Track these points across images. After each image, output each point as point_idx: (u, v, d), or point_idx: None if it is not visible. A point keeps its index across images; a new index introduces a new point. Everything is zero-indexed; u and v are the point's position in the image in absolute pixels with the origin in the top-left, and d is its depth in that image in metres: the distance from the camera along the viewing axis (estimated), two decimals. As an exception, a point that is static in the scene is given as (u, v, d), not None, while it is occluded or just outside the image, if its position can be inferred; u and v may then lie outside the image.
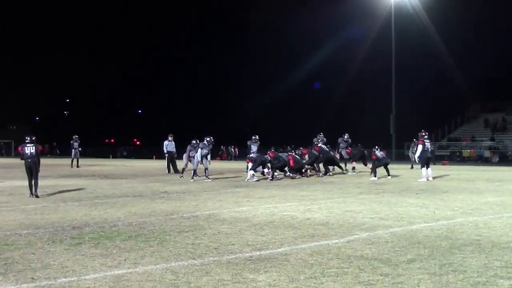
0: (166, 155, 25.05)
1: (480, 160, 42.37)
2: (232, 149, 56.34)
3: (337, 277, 5.66)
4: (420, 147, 19.55)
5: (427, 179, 18.92)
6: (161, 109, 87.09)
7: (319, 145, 22.43)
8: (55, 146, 69.62)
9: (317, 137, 23.22)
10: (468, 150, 45.06)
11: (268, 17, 73.71)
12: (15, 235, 8.24)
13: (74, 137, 32.52)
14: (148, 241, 7.69)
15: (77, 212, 10.98)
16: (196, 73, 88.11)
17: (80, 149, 32.59)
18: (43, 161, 15.58)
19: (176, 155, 25.32)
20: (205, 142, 20.45)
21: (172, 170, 24.70)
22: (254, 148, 21.90)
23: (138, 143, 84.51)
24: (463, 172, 24.51)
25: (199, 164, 20.70)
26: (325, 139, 23.39)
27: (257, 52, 71.87)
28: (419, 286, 5.30)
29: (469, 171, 25.56)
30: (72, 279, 5.67)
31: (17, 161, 26.50)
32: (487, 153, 43.55)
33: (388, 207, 11.44)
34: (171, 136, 25.03)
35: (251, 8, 76.53)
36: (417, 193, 14.45)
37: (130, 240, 7.78)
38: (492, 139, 46.52)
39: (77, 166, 31.16)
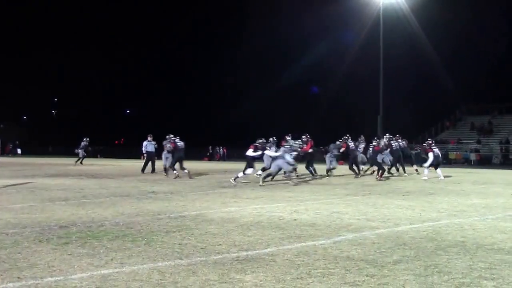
0: (145, 155, 25.05)
1: (466, 162, 42.71)
2: (221, 150, 56.37)
3: (323, 277, 5.70)
4: (430, 155, 20.73)
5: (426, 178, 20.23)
6: (149, 110, 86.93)
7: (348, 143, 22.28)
8: (16, 145, 69.15)
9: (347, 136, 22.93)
10: (454, 153, 45.39)
11: (259, 19, 73.81)
12: (1, 234, 8.20)
13: (85, 139, 35.19)
14: (135, 241, 7.69)
15: (64, 211, 10.94)
16: (186, 73, 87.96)
17: (83, 152, 35.04)
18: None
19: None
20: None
21: (153, 170, 24.72)
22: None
23: (121, 142, 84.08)
24: (449, 175, 24.66)
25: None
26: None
27: (247, 54, 71.90)
28: (404, 287, 5.36)
29: (455, 174, 25.72)
30: (59, 278, 5.66)
31: (4, 160, 26.34)
32: (473, 156, 43.86)
33: (374, 208, 11.51)
34: (150, 137, 25.02)
35: (242, 9, 76.66)
36: (403, 195, 14.54)
37: (117, 240, 7.77)
38: (479, 142, 46.88)
39: (81, 163, 34.06)
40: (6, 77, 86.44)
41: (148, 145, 24.79)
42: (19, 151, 65.90)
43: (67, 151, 70.39)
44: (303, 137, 21.87)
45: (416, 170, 23.97)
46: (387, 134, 24.37)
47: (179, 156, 21.81)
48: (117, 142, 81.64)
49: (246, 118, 69.38)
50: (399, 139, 24.25)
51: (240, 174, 18.87)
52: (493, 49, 57.31)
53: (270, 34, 75.86)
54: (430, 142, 21.87)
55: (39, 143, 79.10)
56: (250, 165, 19.09)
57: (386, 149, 22.40)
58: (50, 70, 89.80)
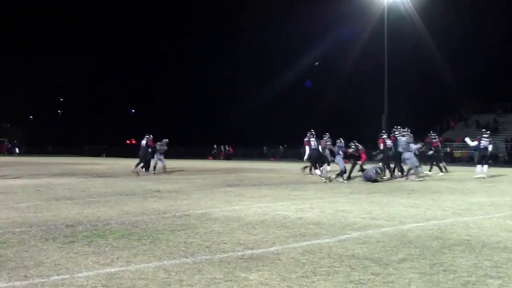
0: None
1: (471, 160, 42.57)
2: (226, 148, 56.50)
3: (329, 276, 5.70)
4: (470, 142, 21.73)
5: (484, 177, 20.32)
6: (153, 110, 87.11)
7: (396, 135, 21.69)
8: (14, 145, 69.53)
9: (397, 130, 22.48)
10: (460, 151, 45.28)
11: (262, 17, 73.82)
12: (8, 233, 8.24)
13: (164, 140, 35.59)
14: (140, 239, 7.71)
15: (70, 210, 10.98)
16: (190, 72, 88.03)
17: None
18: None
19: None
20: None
21: (148, 169, 25.14)
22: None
23: (133, 142, 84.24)
24: (454, 173, 24.65)
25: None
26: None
27: (251, 52, 71.93)
28: (409, 285, 5.35)
29: (460, 172, 25.70)
30: (65, 277, 5.68)
31: (11, 159, 26.47)
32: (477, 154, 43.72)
33: (379, 207, 11.51)
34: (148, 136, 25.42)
35: (246, 7, 76.62)
36: (408, 193, 14.53)
37: (122, 238, 7.80)
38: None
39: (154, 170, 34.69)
40: (12, 78, 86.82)
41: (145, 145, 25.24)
42: (17, 150, 66.26)
43: (68, 150, 70.77)
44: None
45: (442, 168, 24.16)
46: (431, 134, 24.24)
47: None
48: (128, 142, 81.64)
49: (248, 118, 69.39)
50: (435, 138, 24.85)
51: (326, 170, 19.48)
52: (498, 47, 57.13)
53: (273, 34, 75.87)
54: (484, 130, 22.63)
55: (39, 142, 79.38)
56: (324, 160, 19.93)
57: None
58: (56, 70, 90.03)
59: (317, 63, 40.40)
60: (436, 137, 25.34)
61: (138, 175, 22.89)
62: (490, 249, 7.01)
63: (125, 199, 13.26)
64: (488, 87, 58.27)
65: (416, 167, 19.37)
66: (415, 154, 20.12)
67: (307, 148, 20.77)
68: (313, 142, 20.42)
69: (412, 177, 19.28)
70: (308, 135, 21.02)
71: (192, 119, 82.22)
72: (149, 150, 24.93)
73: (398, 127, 22.67)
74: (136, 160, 24.83)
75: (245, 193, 14.65)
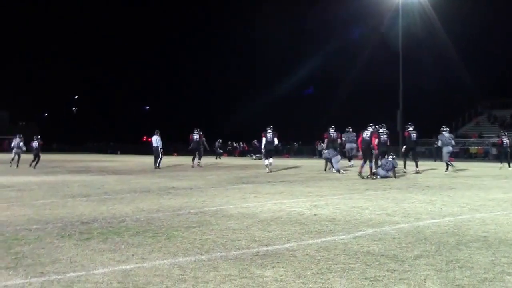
0: (161, 150, 25.75)
1: (487, 156, 42.24)
2: (241, 145, 56.67)
3: (344, 272, 5.68)
4: None
5: None
6: (166, 106, 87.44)
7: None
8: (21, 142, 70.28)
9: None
10: (476, 147, 44.92)
11: (282, 9, 73.89)
12: (24, 230, 8.31)
13: (219, 140, 39.21)
14: (156, 236, 7.73)
15: (86, 207, 11.05)
16: (203, 69, 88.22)
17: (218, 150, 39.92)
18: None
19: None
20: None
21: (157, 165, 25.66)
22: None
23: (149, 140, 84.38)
24: (470, 169, 24.44)
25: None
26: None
27: (263, 50, 71.90)
28: (425, 282, 5.31)
29: (476, 168, 25.49)
30: (81, 273, 5.71)
31: (29, 157, 26.77)
32: (494, 150, 43.39)
33: (394, 203, 11.45)
34: (158, 132, 25.81)
35: (254, 10, 76.76)
36: (424, 190, 14.44)
37: (138, 235, 7.83)
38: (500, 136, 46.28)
39: (219, 158, 39.51)
40: (27, 76, 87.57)
41: (159, 141, 25.63)
42: (23, 148, 66.97)
43: (73, 148, 71.19)
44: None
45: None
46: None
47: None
48: (145, 139, 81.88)
49: (262, 115, 69.45)
50: (504, 136, 26.35)
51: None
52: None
53: (288, 28, 75.78)
54: None
55: (45, 140, 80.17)
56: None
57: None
58: (69, 68, 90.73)
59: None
60: (505, 134, 27.01)
61: (193, 166, 26.04)
62: (507, 246, 6.94)
63: (140, 196, 13.31)
64: (504, 83, 57.73)
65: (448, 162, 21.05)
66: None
67: (263, 139, 22.02)
68: (269, 135, 21.82)
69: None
70: (266, 129, 22.03)
71: (205, 116, 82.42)
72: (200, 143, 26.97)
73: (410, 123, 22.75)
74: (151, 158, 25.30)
75: (260, 190, 14.64)
